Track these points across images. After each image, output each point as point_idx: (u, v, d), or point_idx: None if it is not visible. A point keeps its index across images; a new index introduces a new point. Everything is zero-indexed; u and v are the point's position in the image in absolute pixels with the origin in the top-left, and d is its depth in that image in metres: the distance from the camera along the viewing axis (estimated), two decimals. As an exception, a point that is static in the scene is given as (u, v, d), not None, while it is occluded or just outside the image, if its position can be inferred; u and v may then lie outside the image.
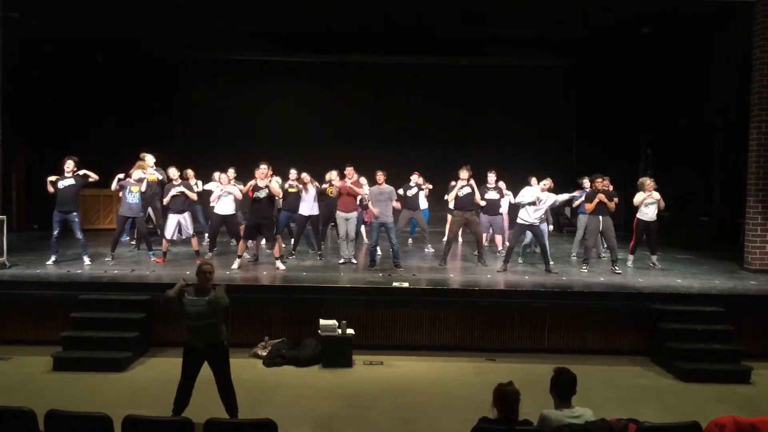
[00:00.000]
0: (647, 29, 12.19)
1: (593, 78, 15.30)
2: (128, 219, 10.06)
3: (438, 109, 15.78)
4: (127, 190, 9.89)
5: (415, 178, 11.69)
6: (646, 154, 14.54)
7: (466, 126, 15.77)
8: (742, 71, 10.75)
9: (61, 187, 9.38)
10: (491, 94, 15.60)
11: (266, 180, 9.49)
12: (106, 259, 9.87)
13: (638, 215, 10.08)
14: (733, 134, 11.81)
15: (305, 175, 10.46)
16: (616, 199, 9.80)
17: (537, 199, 9.43)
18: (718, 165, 12.86)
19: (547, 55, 14.95)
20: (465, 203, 9.88)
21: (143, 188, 9.99)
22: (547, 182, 9.65)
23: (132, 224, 10.39)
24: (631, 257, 10.25)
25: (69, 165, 9.46)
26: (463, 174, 9.90)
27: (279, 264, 9.55)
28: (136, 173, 10.01)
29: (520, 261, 10.58)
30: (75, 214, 9.51)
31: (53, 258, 9.52)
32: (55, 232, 9.47)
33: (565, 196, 10.33)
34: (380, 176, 9.90)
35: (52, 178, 9.39)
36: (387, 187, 9.80)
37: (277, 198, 9.99)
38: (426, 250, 11.60)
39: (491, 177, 10.91)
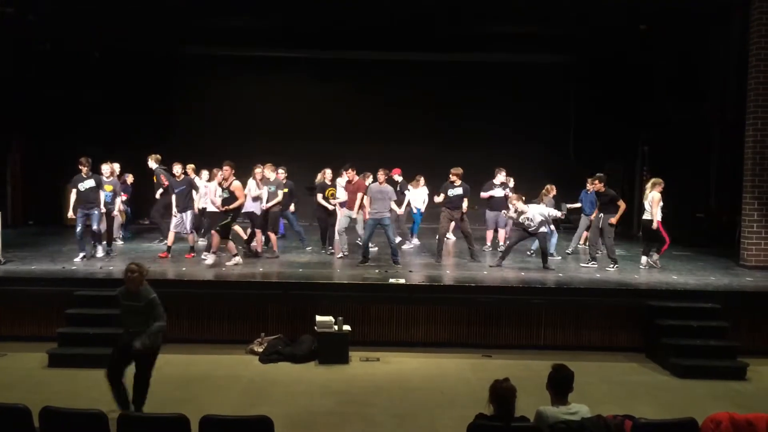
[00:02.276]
0: (645, 26, 12.17)
1: (591, 75, 15.27)
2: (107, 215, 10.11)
3: (436, 106, 15.72)
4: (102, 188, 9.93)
5: (397, 178, 11.70)
6: (643, 151, 14.52)
7: (465, 123, 15.71)
8: (739, 69, 10.75)
9: (83, 189, 9.49)
10: (489, 91, 15.52)
11: (227, 182, 9.26)
12: (102, 254, 9.90)
13: (658, 218, 9.59)
14: (729, 132, 11.81)
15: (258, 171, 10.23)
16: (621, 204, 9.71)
17: (526, 218, 9.43)
18: (714, 162, 12.85)
19: (546, 52, 14.91)
20: (455, 203, 10.02)
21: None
22: (520, 205, 9.49)
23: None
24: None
25: (84, 167, 9.49)
26: (452, 177, 10.05)
27: (268, 256, 9.49)
28: (106, 169, 10.10)
29: (531, 254, 10.77)
30: (96, 209, 9.59)
31: (81, 255, 9.55)
32: (78, 230, 9.52)
33: (553, 212, 9.86)
34: (381, 176, 10.03)
35: (72, 196, 9.51)
36: (386, 187, 9.94)
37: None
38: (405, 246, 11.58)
39: (500, 175, 10.98)
